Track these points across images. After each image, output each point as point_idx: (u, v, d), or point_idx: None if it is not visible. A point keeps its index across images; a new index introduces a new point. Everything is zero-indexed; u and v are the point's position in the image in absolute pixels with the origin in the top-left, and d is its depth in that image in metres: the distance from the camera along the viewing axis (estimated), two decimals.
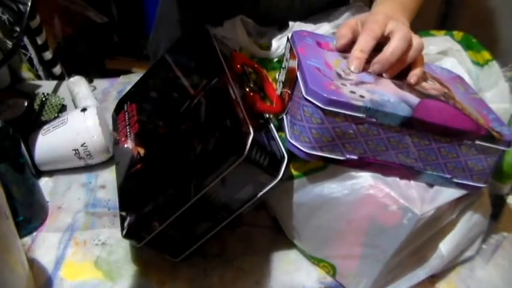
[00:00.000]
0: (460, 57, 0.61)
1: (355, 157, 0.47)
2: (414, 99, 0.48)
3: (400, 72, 0.52)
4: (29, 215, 0.59)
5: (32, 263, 0.55)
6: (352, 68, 0.51)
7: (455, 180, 0.48)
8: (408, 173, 0.48)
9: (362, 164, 0.47)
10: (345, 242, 0.52)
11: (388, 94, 0.47)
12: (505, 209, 0.57)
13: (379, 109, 0.44)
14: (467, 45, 0.61)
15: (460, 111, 0.48)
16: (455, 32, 0.63)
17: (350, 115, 0.44)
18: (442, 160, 0.47)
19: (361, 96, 0.45)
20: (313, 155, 0.47)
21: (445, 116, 0.46)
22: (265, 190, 0.49)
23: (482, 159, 0.47)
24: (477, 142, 0.46)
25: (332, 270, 0.55)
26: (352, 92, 0.46)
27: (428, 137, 0.46)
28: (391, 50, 0.51)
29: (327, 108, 0.44)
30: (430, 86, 0.52)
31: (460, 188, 0.49)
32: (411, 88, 0.51)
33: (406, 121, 0.45)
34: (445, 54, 0.62)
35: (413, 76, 0.52)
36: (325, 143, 0.46)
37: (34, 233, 0.60)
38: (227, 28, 0.74)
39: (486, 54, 0.59)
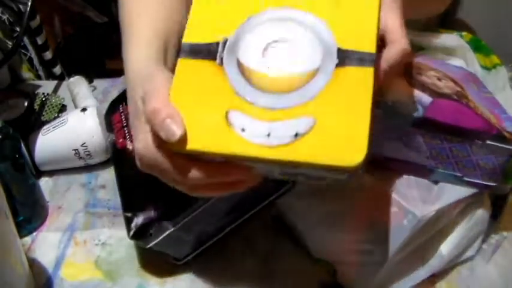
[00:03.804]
0: (468, 56, 0.60)
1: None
2: (426, 98, 0.48)
3: (412, 71, 0.52)
4: (29, 215, 0.59)
5: (32, 263, 0.55)
6: None
7: (466, 178, 0.49)
8: (419, 171, 0.48)
9: (374, 162, 0.48)
10: (345, 242, 0.52)
11: (400, 93, 0.47)
12: (505, 209, 0.57)
13: (392, 108, 0.45)
14: (475, 48, 0.61)
15: (472, 111, 0.48)
16: (464, 34, 0.63)
17: None
18: (453, 159, 0.48)
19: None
20: None
21: (457, 116, 0.47)
22: (277, 194, 0.49)
23: (493, 158, 0.47)
24: (488, 142, 0.46)
25: (332, 270, 0.55)
26: None
27: (440, 137, 0.46)
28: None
29: None
30: (443, 85, 0.52)
31: (471, 187, 0.49)
32: (424, 87, 0.51)
33: (418, 121, 0.45)
34: (454, 53, 0.62)
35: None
36: None
37: (34, 233, 0.60)
38: None
39: (495, 59, 0.59)
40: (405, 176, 0.49)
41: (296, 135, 0.34)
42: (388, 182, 0.48)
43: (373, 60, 0.37)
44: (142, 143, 0.38)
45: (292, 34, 0.38)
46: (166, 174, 0.38)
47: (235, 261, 0.57)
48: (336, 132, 0.34)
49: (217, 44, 0.39)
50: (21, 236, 0.58)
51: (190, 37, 0.40)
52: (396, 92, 0.47)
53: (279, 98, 0.36)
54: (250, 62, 0.38)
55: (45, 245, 0.58)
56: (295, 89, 0.36)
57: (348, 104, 0.35)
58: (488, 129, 0.46)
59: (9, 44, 0.86)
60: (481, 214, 0.53)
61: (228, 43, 0.39)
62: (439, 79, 0.53)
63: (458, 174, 0.48)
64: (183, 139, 0.35)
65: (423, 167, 0.48)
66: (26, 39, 0.95)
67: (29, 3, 0.76)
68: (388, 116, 0.45)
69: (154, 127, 0.36)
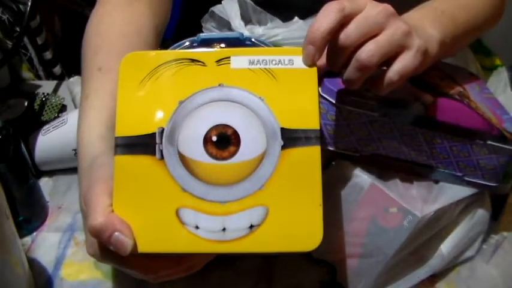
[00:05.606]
0: (469, 57, 0.60)
1: (368, 154, 0.47)
2: (428, 97, 0.48)
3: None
4: (29, 215, 0.59)
5: (32, 263, 0.55)
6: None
7: (466, 178, 0.49)
8: (420, 170, 0.49)
9: (375, 161, 0.48)
10: (344, 242, 0.52)
11: (401, 92, 0.48)
12: (505, 209, 0.57)
13: (392, 107, 0.45)
14: (476, 49, 0.61)
15: (473, 111, 0.48)
16: None
17: (364, 113, 0.45)
18: (453, 158, 0.48)
19: (376, 95, 0.46)
20: (328, 151, 0.47)
21: (458, 116, 0.47)
22: None
23: (494, 158, 0.48)
24: (489, 142, 0.47)
25: (332, 270, 0.55)
26: (367, 89, 0.46)
27: (441, 136, 0.47)
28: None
29: (341, 105, 0.45)
30: (445, 84, 0.52)
31: (472, 187, 0.49)
32: (425, 86, 0.51)
33: (419, 120, 0.45)
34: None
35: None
36: (340, 139, 0.47)
37: (34, 233, 0.60)
38: (224, 7, 0.69)
39: (495, 60, 0.59)
40: (405, 176, 0.49)
41: (251, 226, 0.34)
42: (388, 182, 0.48)
43: (318, 137, 0.36)
44: (92, 249, 0.38)
45: (233, 116, 0.36)
46: (124, 271, 0.39)
47: (235, 261, 0.57)
48: (290, 219, 0.34)
49: (153, 135, 0.36)
50: (21, 236, 0.58)
51: (122, 131, 0.37)
52: (398, 90, 0.47)
53: (228, 190, 0.35)
54: (192, 153, 0.36)
55: (45, 245, 0.58)
56: (244, 179, 0.35)
57: (298, 189, 0.35)
58: (489, 129, 0.46)
59: (9, 44, 0.86)
60: (481, 214, 0.53)
61: (164, 133, 0.36)
62: (441, 79, 0.53)
63: (459, 174, 0.48)
64: (136, 245, 0.35)
65: (423, 166, 0.48)
66: (26, 39, 0.95)
67: (29, 3, 0.76)
68: (389, 114, 0.45)
69: (102, 242, 0.35)
